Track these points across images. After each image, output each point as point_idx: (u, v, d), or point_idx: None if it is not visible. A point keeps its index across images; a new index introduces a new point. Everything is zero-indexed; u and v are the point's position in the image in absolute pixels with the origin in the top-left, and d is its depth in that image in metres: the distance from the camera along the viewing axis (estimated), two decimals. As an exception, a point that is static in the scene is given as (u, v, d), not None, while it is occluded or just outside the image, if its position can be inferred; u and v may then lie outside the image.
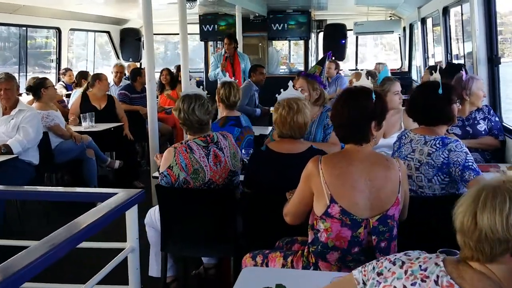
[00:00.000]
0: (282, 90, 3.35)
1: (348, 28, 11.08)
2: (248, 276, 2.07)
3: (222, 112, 4.20)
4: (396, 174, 2.21)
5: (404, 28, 11.00)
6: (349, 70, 11.30)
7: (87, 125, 5.99)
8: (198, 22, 11.02)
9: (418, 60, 9.74)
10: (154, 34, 5.38)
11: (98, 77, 6.51)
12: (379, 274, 1.41)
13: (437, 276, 1.29)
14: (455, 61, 6.36)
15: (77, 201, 2.78)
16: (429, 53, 8.68)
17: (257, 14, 10.44)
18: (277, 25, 10.86)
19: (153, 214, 3.45)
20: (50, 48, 10.32)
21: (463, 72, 4.10)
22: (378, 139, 2.28)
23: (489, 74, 4.47)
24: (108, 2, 9.04)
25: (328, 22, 11.60)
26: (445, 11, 6.54)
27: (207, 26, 11.05)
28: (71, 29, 10.07)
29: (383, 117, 2.25)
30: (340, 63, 11.64)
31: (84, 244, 2.40)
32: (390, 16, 11.32)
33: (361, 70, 6.64)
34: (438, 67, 3.87)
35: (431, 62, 8.41)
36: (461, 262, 1.32)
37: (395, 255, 1.43)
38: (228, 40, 7.90)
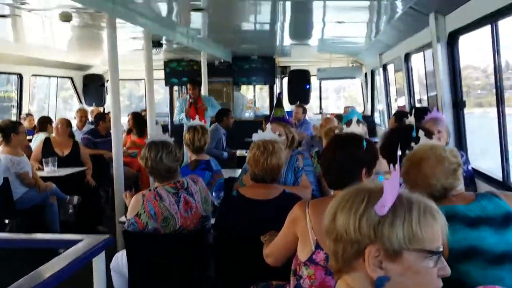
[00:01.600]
0: (259, 130, 3.31)
1: (312, 73, 11.35)
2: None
3: (190, 156, 4.15)
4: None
5: (366, 74, 11.32)
6: (314, 114, 11.50)
7: (49, 169, 5.81)
8: (163, 67, 11.07)
9: (380, 105, 9.98)
10: (120, 79, 5.35)
11: (57, 123, 6.37)
12: None
13: None
14: (418, 105, 6.52)
15: (41, 247, 2.64)
16: (392, 98, 8.90)
17: (222, 60, 10.56)
18: (242, 70, 11.04)
19: (120, 259, 3.32)
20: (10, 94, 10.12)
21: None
22: None
23: (455, 118, 4.56)
24: (70, 49, 8.99)
25: (292, 68, 11.85)
26: (407, 57, 6.76)
27: (172, 71, 11.11)
28: (33, 75, 9.92)
29: (373, 164, 2.24)
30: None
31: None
32: (352, 63, 11.65)
33: (327, 114, 6.75)
34: (413, 111, 3.92)
35: (394, 107, 8.61)
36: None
37: None
38: (192, 86, 7.90)
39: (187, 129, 4.23)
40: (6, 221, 5.29)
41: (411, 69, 6.82)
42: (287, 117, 4.14)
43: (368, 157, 2.22)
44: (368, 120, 10.47)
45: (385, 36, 7.16)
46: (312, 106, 12.05)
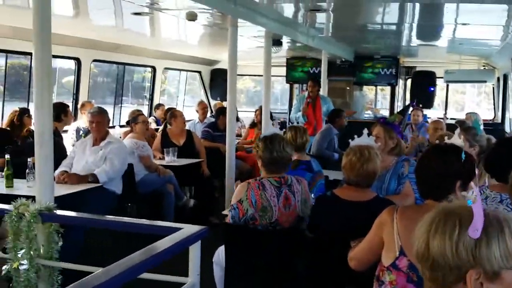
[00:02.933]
0: (356, 136, 3.34)
1: (438, 75, 10.83)
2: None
3: (293, 156, 4.23)
4: None
5: (498, 79, 10.54)
6: (438, 118, 10.96)
7: (169, 159, 6.24)
8: (285, 64, 11.26)
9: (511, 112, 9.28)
10: (239, 74, 5.60)
11: (174, 114, 6.77)
12: None
13: None
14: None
15: (145, 233, 2.90)
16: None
17: (343, 59, 10.49)
18: (364, 70, 10.85)
19: (221, 253, 3.50)
20: (145, 84, 10.97)
21: None
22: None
23: None
24: (200, 44, 9.50)
25: (417, 69, 11.40)
26: (541, 62, 6.23)
27: (294, 69, 11.25)
28: (165, 68, 10.66)
29: (469, 178, 2.19)
30: (429, 111, 11.38)
31: (147, 276, 2.50)
32: (483, 66, 10.93)
33: (442, 118, 6.47)
34: None
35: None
36: None
37: None
38: (312, 83, 8.01)
39: (288, 128, 4.32)
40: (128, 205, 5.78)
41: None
42: (399, 125, 4.05)
43: (465, 169, 2.17)
44: (497, 128, 9.78)
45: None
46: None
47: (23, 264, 2.94)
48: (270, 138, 3.29)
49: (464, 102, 15.28)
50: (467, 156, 2.21)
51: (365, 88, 11.94)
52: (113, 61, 9.24)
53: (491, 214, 1.19)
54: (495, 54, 9.04)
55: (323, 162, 5.14)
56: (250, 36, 7.17)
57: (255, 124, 8.40)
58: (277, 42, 6.90)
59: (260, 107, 8.46)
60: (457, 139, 2.84)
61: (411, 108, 7.06)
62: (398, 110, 4.39)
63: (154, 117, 9.64)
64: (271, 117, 7.68)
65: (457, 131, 3.16)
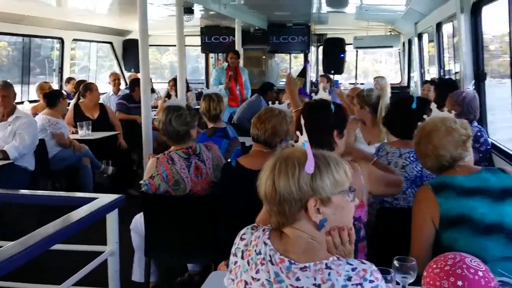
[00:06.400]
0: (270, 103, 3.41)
1: (348, 42, 11.21)
2: (214, 280, 2.13)
3: (208, 124, 4.29)
4: (359, 177, 2.31)
5: (404, 44, 11.10)
6: (349, 84, 11.40)
7: (84, 133, 6.09)
8: (199, 34, 11.17)
9: (416, 75, 9.84)
10: (151, 45, 5.50)
11: (89, 87, 6.57)
12: (230, 271, 1.55)
13: (270, 256, 1.45)
14: (447, 77, 6.43)
15: (61, 204, 2.86)
16: (425, 69, 8.77)
17: (257, 27, 10.58)
18: (277, 38, 11.02)
19: (139, 220, 3.53)
20: (53, 57, 10.47)
21: (467, 90, 4.07)
22: (341, 147, 2.39)
23: (476, 90, 4.51)
24: (110, 13, 9.19)
25: (328, 36, 11.73)
26: (439, 27, 6.63)
27: (208, 38, 11.19)
28: (74, 40, 10.22)
29: (343, 126, 2.39)
30: (341, 77, 11.80)
31: (65, 247, 2.49)
32: (389, 31, 11.43)
33: (357, 84, 6.75)
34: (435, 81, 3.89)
35: (428, 78, 8.48)
36: (280, 233, 1.49)
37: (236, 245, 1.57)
38: (233, 54, 8.03)
39: (202, 98, 4.34)
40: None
41: (442, 40, 6.69)
42: (303, 88, 4.18)
43: (338, 119, 2.39)
44: (403, 90, 10.34)
45: (419, 4, 7.01)
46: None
47: None
48: (169, 111, 3.27)
49: (381, 70, 15.81)
50: (336, 107, 2.42)
51: (279, 56, 12.15)
52: (18, 33, 8.72)
53: (319, 154, 1.48)
54: (400, 20, 9.47)
55: (240, 129, 5.23)
56: (161, 4, 7.04)
57: (170, 96, 8.32)
58: (189, 10, 6.81)
59: (174, 78, 8.41)
60: (323, 94, 3.05)
61: (308, 68, 7.31)
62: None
63: (65, 91, 9.26)
64: (188, 88, 7.67)
65: (321, 85, 3.33)
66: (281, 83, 11.60)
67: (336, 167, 1.47)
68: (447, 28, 6.51)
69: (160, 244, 3.28)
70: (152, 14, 5.46)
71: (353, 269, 1.37)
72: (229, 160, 3.83)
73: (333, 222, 1.48)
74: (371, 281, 1.36)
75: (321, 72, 11.23)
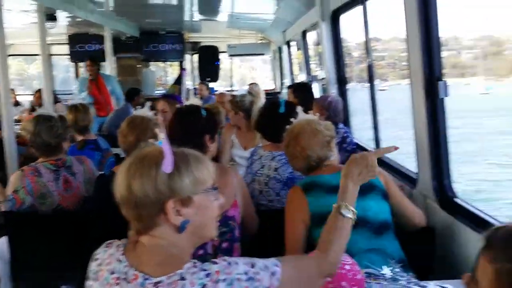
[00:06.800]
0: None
1: (223, 50, 11.37)
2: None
3: (77, 136, 4.07)
4: (232, 179, 2.34)
5: (274, 51, 11.51)
6: (227, 91, 11.55)
7: None
8: (68, 42, 10.65)
9: (287, 81, 10.22)
10: (14, 54, 5.14)
11: None
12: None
13: (125, 273, 1.34)
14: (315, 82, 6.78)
15: None
16: (295, 75, 9.16)
17: (129, 35, 10.33)
18: (150, 46, 10.88)
19: (2, 244, 3.23)
20: None
21: (332, 94, 4.31)
22: (213, 151, 2.43)
23: (339, 94, 4.80)
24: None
25: (202, 44, 11.80)
26: (304, 34, 6.97)
27: (77, 46, 10.67)
28: None
29: (215, 131, 2.43)
30: (218, 84, 11.93)
31: None
32: (260, 39, 11.79)
33: (229, 91, 6.87)
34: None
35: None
36: (136, 244, 1.39)
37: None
38: (90, 62, 7.62)
39: (68, 109, 4.11)
40: None
41: (307, 46, 7.04)
42: (179, 95, 4.17)
43: (209, 124, 2.42)
44: (276, 96, 10.68)
45: (286, 13, 7.31)
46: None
47: None
48: (38, 121, 3.06)
49: (257, 77, 16.23)
50: (207, 112, 2.45)
51: (155, 64, 11.99)
52: None
53: (178, 151, 1.39)
54: (269, 28, 9.81)
55: (112, 139, 5.02)
56: (20, 10, 6.58)
57: (34, 109, 7.79)
58: (51, 17, 6.43)
59: (39, 90, 7.88)
60: (194, 99, 3.10)
61: (184, 76, 7.33)
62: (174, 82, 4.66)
63: None
64: (56, 100, 7.22)
65: (191, 92, 3.37)
66: (157, 92, 11.46)
67: (197, 164, 1.39)
68: (312, 36, 6.87)
69: (28, 265, 3.04)
70: (12, 22, 5.07)
71: (207, 275, 1.31)
72: (103, 172, 3.67)
73: (196, 222, 1.38)
74: (224, 280, 1.31)
75: (197, 80, 11.27)
